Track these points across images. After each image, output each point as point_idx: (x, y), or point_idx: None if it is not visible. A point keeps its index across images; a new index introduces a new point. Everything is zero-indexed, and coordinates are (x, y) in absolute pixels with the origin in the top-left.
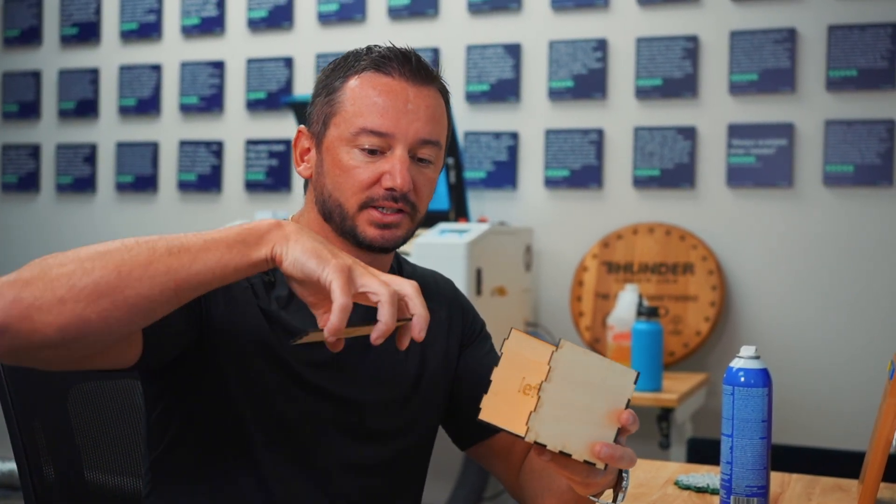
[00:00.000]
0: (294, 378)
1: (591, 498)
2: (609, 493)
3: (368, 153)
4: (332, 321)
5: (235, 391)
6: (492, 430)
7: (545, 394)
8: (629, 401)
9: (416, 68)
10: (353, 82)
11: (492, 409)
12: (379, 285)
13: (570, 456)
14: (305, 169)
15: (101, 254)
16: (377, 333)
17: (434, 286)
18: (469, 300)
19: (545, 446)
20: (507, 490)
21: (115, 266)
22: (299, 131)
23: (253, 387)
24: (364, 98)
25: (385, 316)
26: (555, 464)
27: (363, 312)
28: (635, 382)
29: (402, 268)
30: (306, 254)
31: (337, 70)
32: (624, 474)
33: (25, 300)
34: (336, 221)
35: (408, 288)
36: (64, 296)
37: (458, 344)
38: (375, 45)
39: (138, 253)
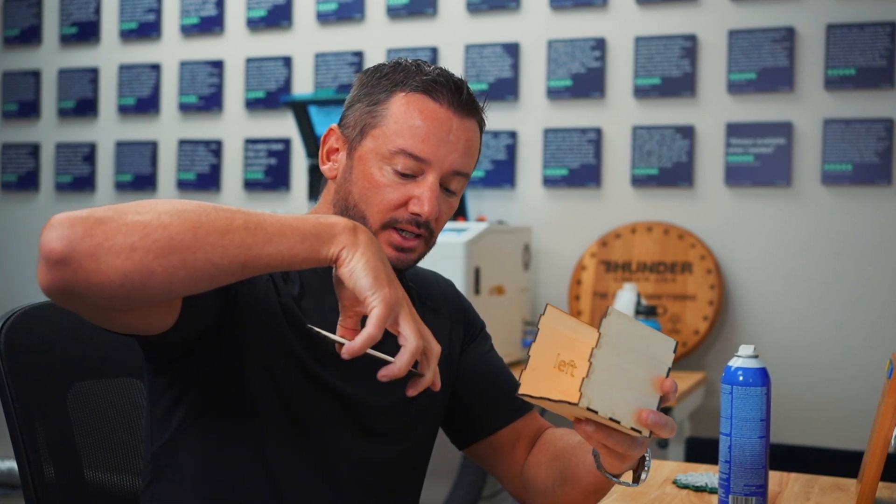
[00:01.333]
0: (307, 374)
1: (614, 479)
2: (629, 474)
3: (401, 175)
4: (355, 344)
5: (249, 380)
6: (492, 429)
7: (596, 360)
8: (669, 369)
9: (465, 101)
10: (400, 99)
11: (531, 385)
12: (412, 334)
13: (618, 423)
14: (331, 169)
15: (180, 211)
16: (386, 373)
17: (437, 288)
18: (469, 301)
19: (596, 413)
20: (506, 488)
21: (192, 226)
22: (330, 129)
23: (266, 377)
24: (408, 119)
25: (401, 362)
26: (599, 433)
27: (386, 335)
28: (674, 351)
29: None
30: (366, 269)
31: (383, 81)
32: (646, 454)
33: (96, 237)
34: None
35: (434, 350)
36: (136, 243)
37: (460, 344)
38: (425, 64)
39: (216, 219)
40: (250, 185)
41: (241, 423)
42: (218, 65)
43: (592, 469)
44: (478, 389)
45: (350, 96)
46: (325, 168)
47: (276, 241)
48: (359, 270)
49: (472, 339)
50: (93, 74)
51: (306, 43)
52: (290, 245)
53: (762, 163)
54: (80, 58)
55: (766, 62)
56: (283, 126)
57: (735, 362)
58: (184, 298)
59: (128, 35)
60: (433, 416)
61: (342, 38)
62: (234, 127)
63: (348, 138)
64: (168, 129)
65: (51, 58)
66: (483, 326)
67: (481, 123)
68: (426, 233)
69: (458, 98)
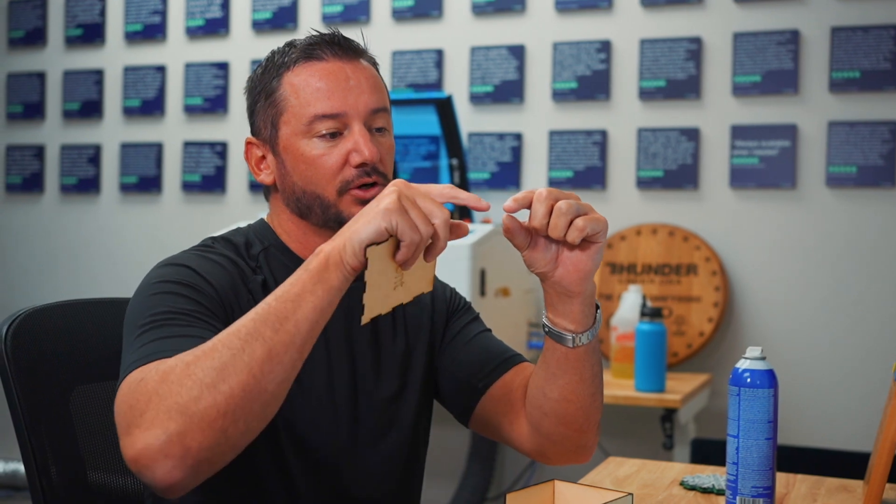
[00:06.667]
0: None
1: (553, 332)
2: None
3: (329, 138)
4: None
5: None
6: (481, 390)
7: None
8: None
9: (345, 46)
10: (289, 77)
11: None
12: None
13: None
14: (267, 176)
15: (219, 369)
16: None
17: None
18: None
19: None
20: (520, 450)
21: (247, 372)
22: (247, 143)
23: None
24: (306, 87)
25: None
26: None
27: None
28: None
29: None
30: (362, 220)
31: (267, 71)
32: (596, 315)
33: (190, 447)
34: (317, 214)
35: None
36: (224, 425)
37: (444, 317)
38: (296, 39)
39: (254, 349)
40: (256, 188)
41: None
42: (223, 66)
43: (550, 346)
44: (462, 357)
45: (247, 108)
46: (261, 178)
47: (301, 311)
48: (360, 225)
49: (455, 311)
50: (98, 76)
51: None
52: (312, 302)
53: (767, 165)
54: (85, 59)
55: (770, 65)
56: None
57: (742, 364)
58: None
59: (133, 37)
60: (416, 411)
61: None
62: (240, 129)
63: (266, 140)
64: (173, 130)
65: (56, 59)
66: (468, 304)
67: (373, 62)
68: (380, 179)
69: (338, 46)
